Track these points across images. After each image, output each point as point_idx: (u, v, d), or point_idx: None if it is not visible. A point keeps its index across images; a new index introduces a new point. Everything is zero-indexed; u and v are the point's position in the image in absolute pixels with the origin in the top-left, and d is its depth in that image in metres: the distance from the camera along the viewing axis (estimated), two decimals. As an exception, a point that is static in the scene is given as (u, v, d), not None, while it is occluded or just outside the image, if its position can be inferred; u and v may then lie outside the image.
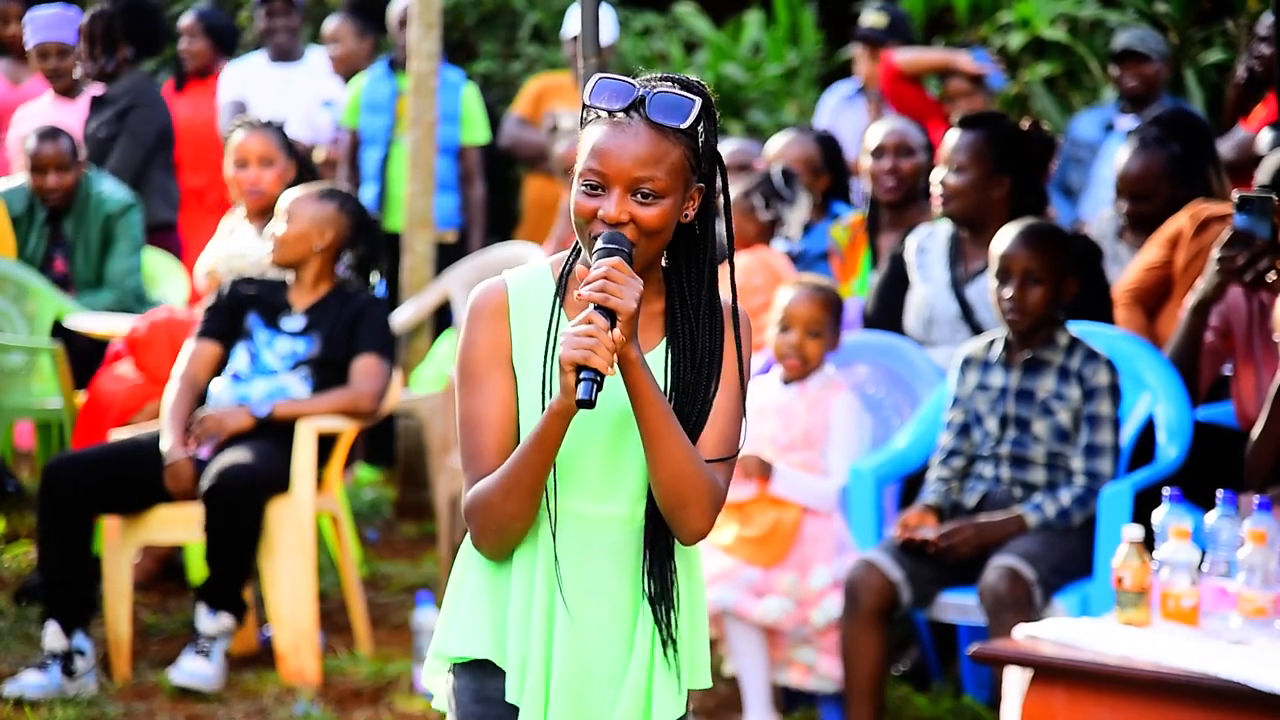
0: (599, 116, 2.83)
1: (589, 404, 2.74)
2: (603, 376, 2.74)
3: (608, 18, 8.93)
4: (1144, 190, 6.03)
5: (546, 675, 2.85)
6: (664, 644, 2.90)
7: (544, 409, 2.80)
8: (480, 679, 2.89)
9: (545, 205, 9.01)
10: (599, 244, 2.79)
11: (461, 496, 2.90)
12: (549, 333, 2.84)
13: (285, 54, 8.99)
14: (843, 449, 5.49)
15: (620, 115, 2.82)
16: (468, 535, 2.91)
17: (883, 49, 8.52)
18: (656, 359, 2.89)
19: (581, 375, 2.74)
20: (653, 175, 2.80)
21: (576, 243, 2.90)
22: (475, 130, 8.74)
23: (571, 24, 8.95)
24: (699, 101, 2.82)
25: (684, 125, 2.81)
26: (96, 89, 8.00)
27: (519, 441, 2.84)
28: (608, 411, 2.84)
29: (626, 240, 2.80)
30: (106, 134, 7.88)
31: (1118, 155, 6.15)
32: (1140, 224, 6.06)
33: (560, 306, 2.87)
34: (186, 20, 9.05)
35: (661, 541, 2.89)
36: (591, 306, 2.75)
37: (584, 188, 2.82)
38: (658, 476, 2.83)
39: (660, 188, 2.80)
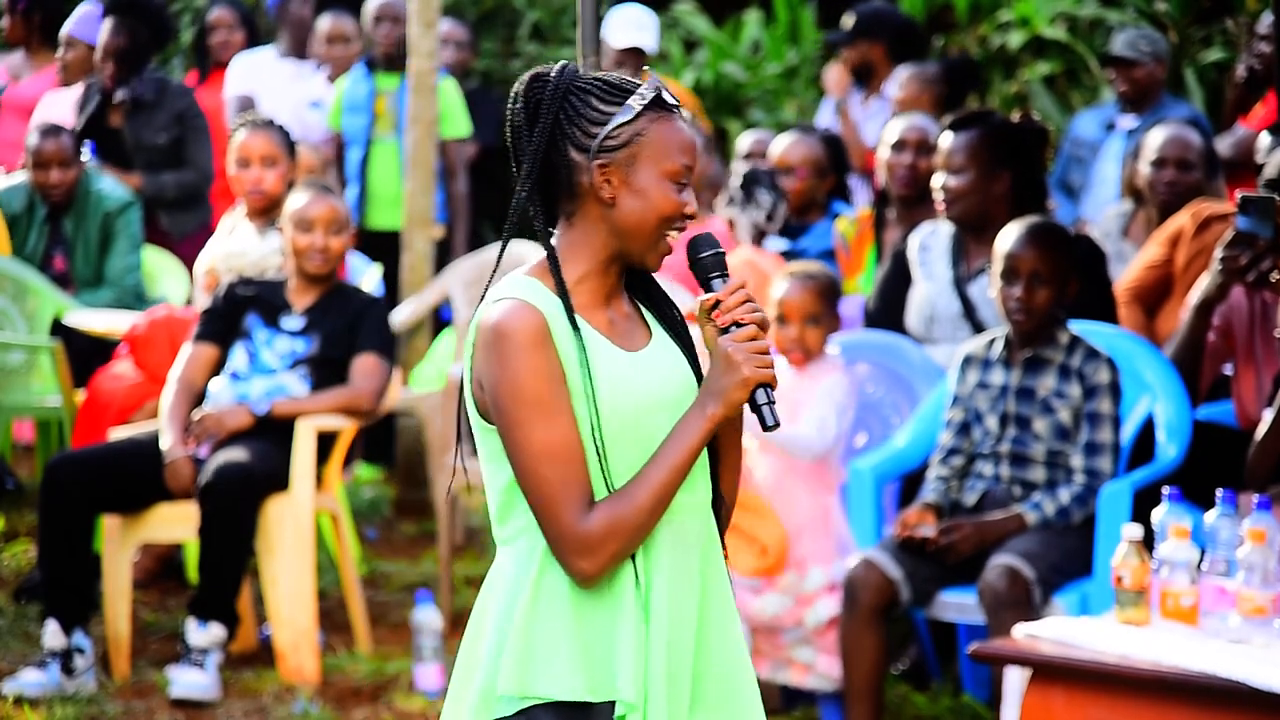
0: (661, 113, 2.81)
1: (776, 426, 2.78)
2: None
3: (642, 19, 8.81)
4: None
5: (646, 681, 2.77)
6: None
7: (597, 431, 2.75)
8: (568, 715, 2.76)
9: None
10: (708, 250, 2.82)
11: (550, 539, 2.75)
12: (583, 353, 2.77)
13: (296, 49, 9.02)
14: (813, 415, 5.39)
15: (680, 112, 2.84)
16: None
17: (849, 49, 8.54)
18: (659, 356, 2.85)
19: (761, 398, 2.77)
20: None
21: (549, 252, 2.81)
22: (455, 124, 8.71)
23: (613, 30, 8.75)
24: None
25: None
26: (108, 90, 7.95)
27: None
28: (682, 399, 2.83)
29: (716, 238, 2.85)
30: (168, 139, 7.84)
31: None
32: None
33: (576, 323, 2.78)
34: (221, 12, 9.09)
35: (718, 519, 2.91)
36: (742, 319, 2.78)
37: (675, 185, 2.80)
38: (729, 482, 2.90)
39: None
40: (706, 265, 2.83)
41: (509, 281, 2.82)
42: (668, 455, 2.76)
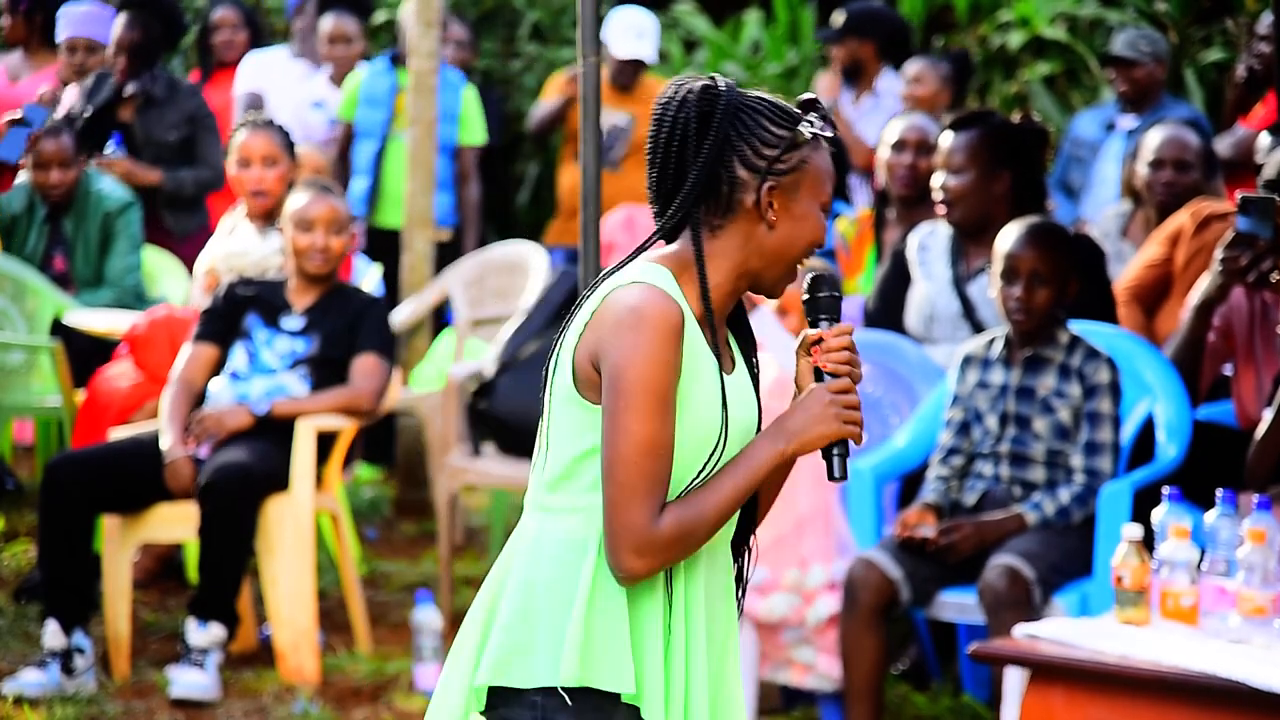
0: (819, 143, 2.82)
1: (844, 479, 2.82)
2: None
3: (644, 27, 8.79)
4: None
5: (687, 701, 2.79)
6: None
7: (721, 443, 2.76)
8: (595, 701, 2.75)
9: (574, 203, 8.96)
10: (827, 291, 2.84)
11: (619, 529, 2.72)
12: (720, 374, 2.78)
13: (308, 50, 9.04)
14: None
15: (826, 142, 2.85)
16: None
17: (839, 47, 8.56)
18: (741, 383, 2.86)
19: (836, 448, 2.81)
20: None
21: (698, 257, 2.79)
22: (473, 131, 8.74)
23: (615, 37, 8.72)
24: None
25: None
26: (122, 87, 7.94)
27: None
28: (751, 430, 2.84)
29: (839, 281, 2.85)
30: (177, 138, 7.85)
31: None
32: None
33: (713, 341, 2.79)
34: (225, 12, 9.10)
35: (743, 547, 2.93)
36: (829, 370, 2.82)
37: (822, 214, 2.82)
38: (765, 513, 2.92)
39: None
40: (820, 305, 2.85)
41: (643, 267, 2.80)
42: (736, 476, 2.76)
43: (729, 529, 2.87)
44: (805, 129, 2.80)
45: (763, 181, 2.78)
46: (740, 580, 2.92)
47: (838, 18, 8.69)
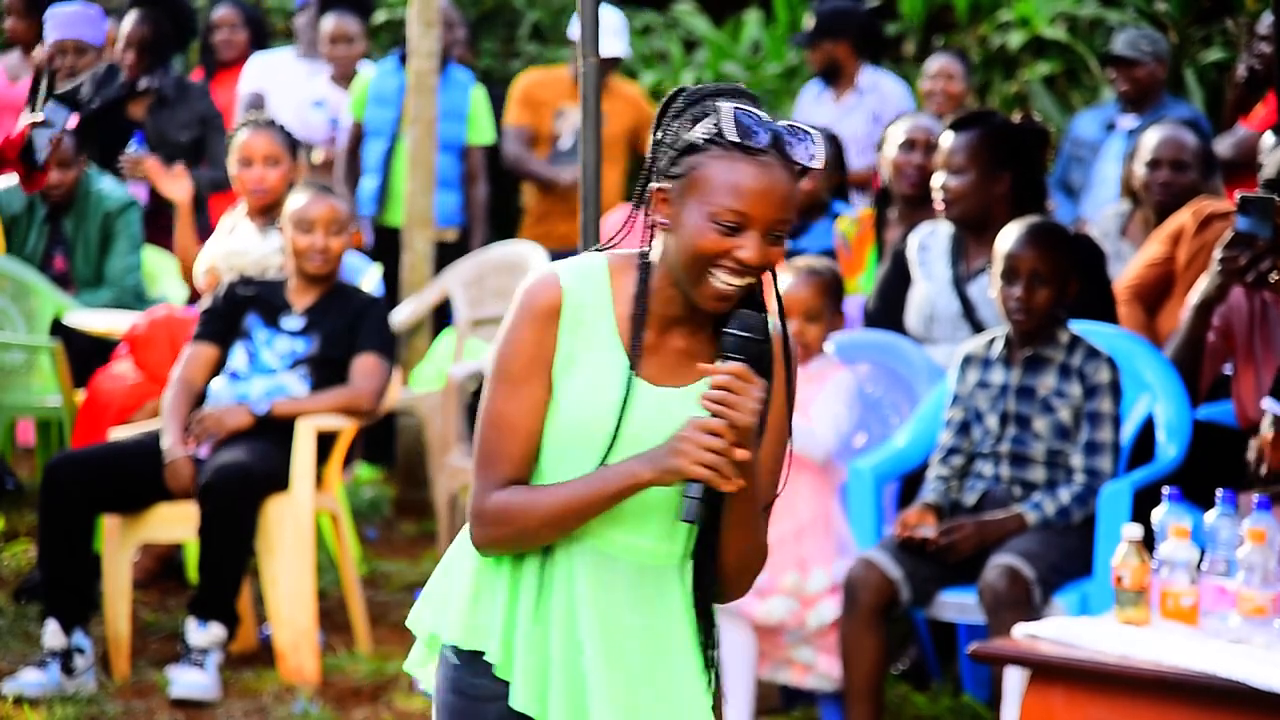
0: (729, 150, 2.70)
1: (693, 522, 2.74)
2: (712, 493, 2.73)
3: (618, 25, 8.80)
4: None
5: (544, 685, 2.81)
6: (709, 678, 2.88)
7: (611, 448, 2.75)
8: (460, 671, 2.84)
9: (544, 206, 8.96)
10: (735, 329, 2.72)
11: (469, 494, 2.82)
12: (617, 376, 2.75)
13: (310, 50, 9.05)
14: (826, 412, 5.41)
15: (764, 155, 2.71)
16: (468, 525, 2.87)
17: (813, 50, 8.58)
18: (667, 400, 2.79)
19: (693, 490, 2.71)
20: (788, 216, 2.73)
21: (642, 255, 2.78)
22: (481, 131, 8.74)
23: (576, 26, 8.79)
24: (819, 136, 2.76)
25: (819, 166, 2.75)
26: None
27: (538, 451, 2.79)
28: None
29: (763, 325, 2.74)
30: (189, 138, 7.86)
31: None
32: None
33: (615, 326, 2.77)
34: (225, 12, 9.11)
35: (705, 582, 2.86)
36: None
37: (719, 226, 2.69)
38: (731, 555, 2.84)
39: (788, 227, 2.75)
40: (725, 342, 2.74)
41: (580, 257, 2.82)
42: (583, 485, 2.75)
43: (631, 550, 2.81)
44: (699, 133, 2.72)
45: (652, 183, 2.77)
46: (703, 607, 2.87)
47: (809, 21, 8.71)
